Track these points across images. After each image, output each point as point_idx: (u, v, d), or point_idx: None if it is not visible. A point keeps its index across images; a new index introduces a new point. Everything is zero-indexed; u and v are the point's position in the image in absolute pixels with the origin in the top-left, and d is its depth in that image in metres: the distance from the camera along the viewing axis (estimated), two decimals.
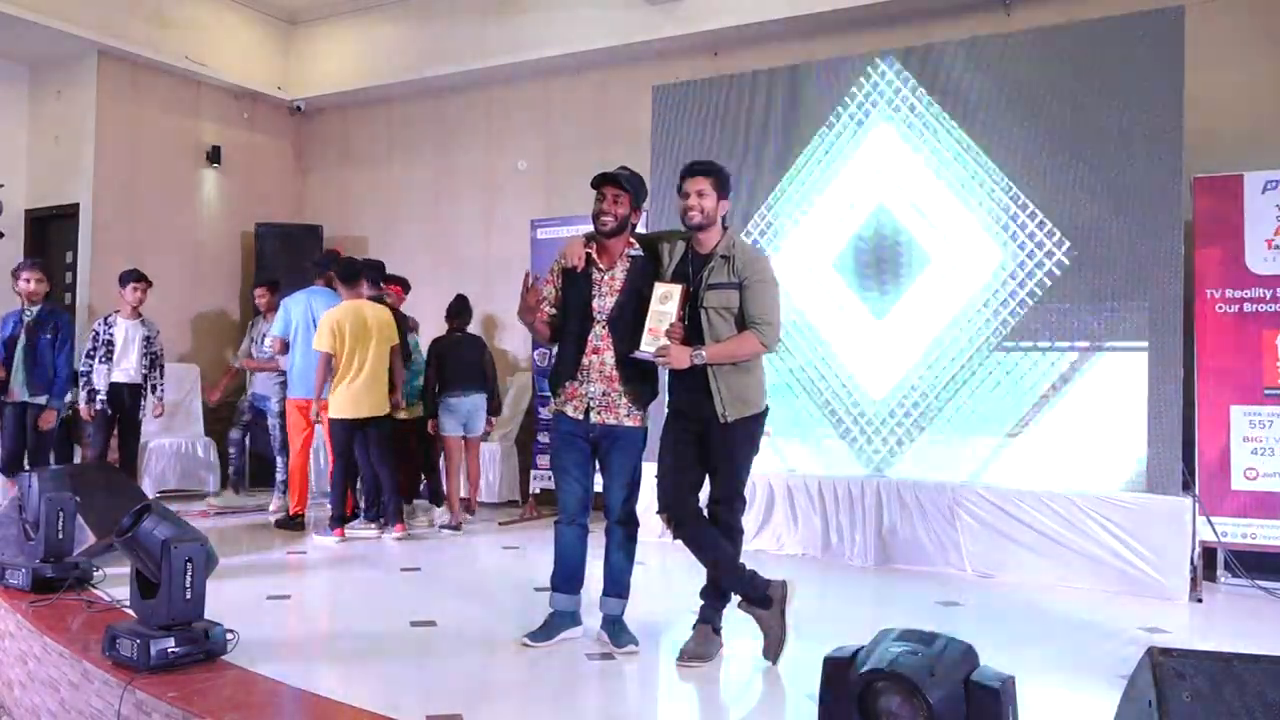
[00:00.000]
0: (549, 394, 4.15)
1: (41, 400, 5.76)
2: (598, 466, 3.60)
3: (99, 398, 6.11)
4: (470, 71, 8.05)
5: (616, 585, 3.58)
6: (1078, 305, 5.12)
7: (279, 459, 6.76)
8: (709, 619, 3.51)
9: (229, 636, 3.24)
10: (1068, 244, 5.15)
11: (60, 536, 4.07)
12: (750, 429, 3.45)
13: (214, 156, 8.51)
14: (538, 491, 6.98)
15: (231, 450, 7.04)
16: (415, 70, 8.29)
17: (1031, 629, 4.10)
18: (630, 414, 3.53)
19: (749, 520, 4.68)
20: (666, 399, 3.58)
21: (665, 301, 3.39)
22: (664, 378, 3.58)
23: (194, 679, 2.97)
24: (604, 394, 3.49)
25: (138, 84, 7.95)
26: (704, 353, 3.34)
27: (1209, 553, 4.93)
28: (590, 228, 3.61)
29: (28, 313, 5.78)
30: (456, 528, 6.28)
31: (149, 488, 6.94)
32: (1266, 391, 4.92)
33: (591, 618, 3.66)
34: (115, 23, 7.58)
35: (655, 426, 3.65)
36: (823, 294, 5.80)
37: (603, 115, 7.69)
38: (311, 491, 6.76)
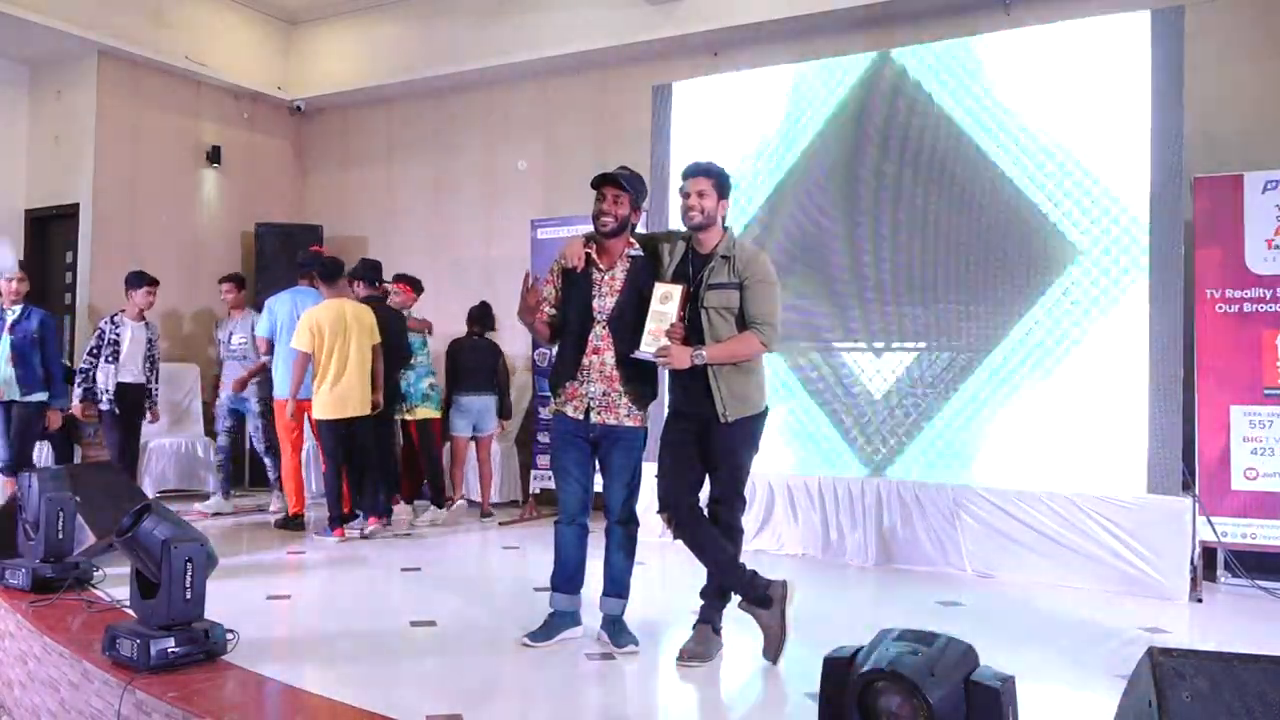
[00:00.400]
0: (549, 394, 4.15)
1: (34, 399, 5.76)
2: (598, 466, 3.60)
3: (107, 397, 6.12)
4: (470, 71, 8.05)
5: (616, 585, 3.58)
6: (1077, 305, 5.11)
7: (267, 460, 6.74)
8: (709, 619, 3.51)
9: (229, 636, 3.24)
10: (1067, 243, 5.15)
11: (60, 536, 4.07)
12: (751, 429, 3.45)
13: (214, 156, 8.51)
14: (538, 491, 6.98)
15: (219, 457, 6.90)
16: (415, 70, 8.29)
17: (1031, 629, 4.10)
18: (630, 414, 3.53)
19: (749, 520, 4.69)
20: (666, 399, 3.59)
21: (665, 302, 3.39)
22: (664, 378, 3.59)
23: (194, 679, 2.97)
24: (604, 394, 3.49)
25: (138, 84, 7.95)
26: (704, 353, 3.34)
27: (1209, 553, 4.92)
28: (590, 228, 3.61)
29: (10, 312, 5.80)
30: (443, 505, 6.47)
31: (149, 488, 6.94)
32: (1266, 391, 4.92)
33: (591, 618, 3.66)
34: (115, 23, 7.59)
35: (655, 426, 3.65)
36: (822, 293, 5.80)
37: (603, 115, 7.69)
38: (311, 491, 6.77)
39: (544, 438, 6.79)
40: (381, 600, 4.51)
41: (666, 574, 4.97)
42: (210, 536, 3.36)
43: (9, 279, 5.81)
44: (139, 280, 6.34)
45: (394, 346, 6.20)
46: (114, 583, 3.98)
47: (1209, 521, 4.87)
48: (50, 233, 8.05)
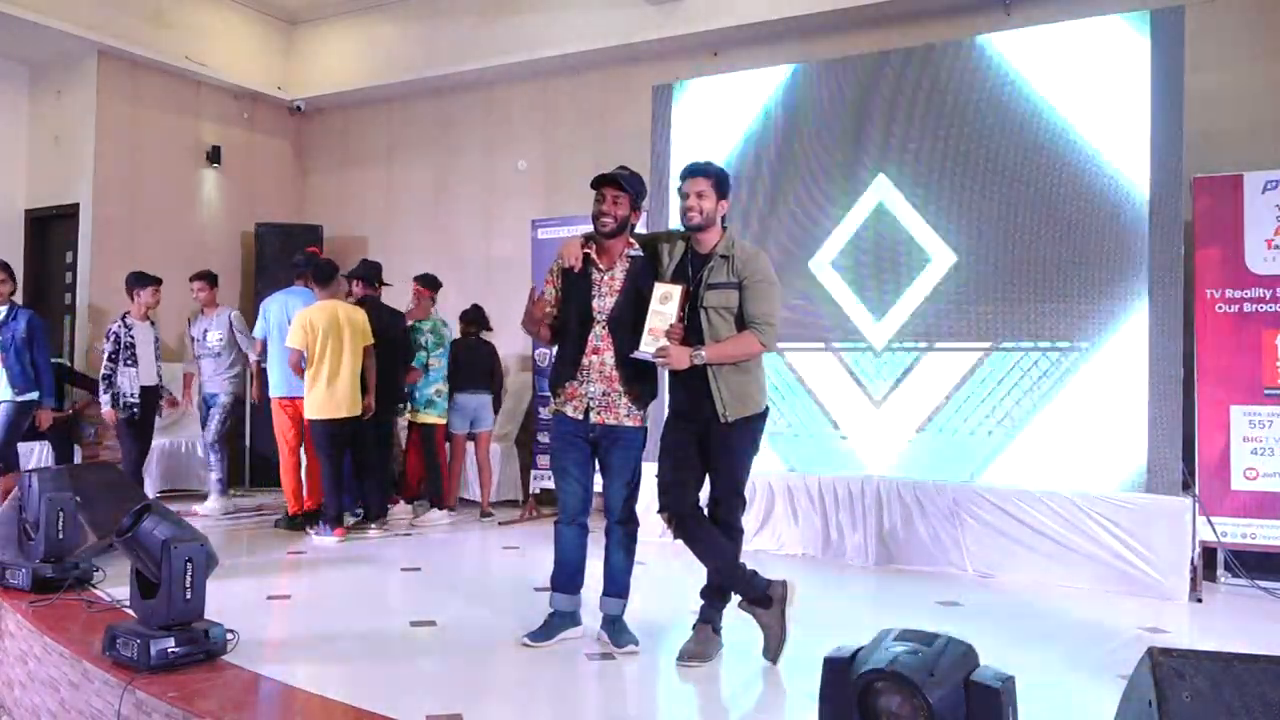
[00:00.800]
0: (549, 394, 4.15)
1: (25, 399, 5.74)
2: (598, 466, 3.60)
3: (132, 403, 6.12)
4: (470, 71, 8.06)
5: (616, 585, 3.58)
6: (1077, 304, 5.12)
7: (211, 455, 6.65)
8: (709, 619, 3.51)
9: (229, 636, 3.24)
10: (1067, 243, 5.15)
11: (60, 536, 4.07)
12: (750, 429, 3.45)
13: (214, 156, 8.51)
14: (538, 491, 6.98)
15: (212, 458, 6.78)
16: (415, 70, 8.29)
17: (1031, 629, 4.09)
18: (630, 414, 3.53)
19: (749, 520, 4.69)
20: (666, 399, 3.59)
21: (665, 302, 3.39)
22: (664, 378, 3.59)
23: (194, 679, 2.97)
24: (604, 394, 3.49)
25: (138, 84, 7.95)
26: (703, 353, 3.34)
27: (1209, 553, 4.92)
28: (590, 228, 3.61)
29: None
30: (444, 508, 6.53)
31: (149, 488, 6.94)
32: (1266, 391, 4.92)
33: (592, 618, 3.66)
34: (115, 23, 7.59)
35: (655, 426, 3.65)
36: (822, 293, 5.81)
37: (603, 115, 7.69)
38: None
39: (544, 438, 6.79)
40: (381, 600, 4.51)
41: (666, 574, 4.97)
42: (210, 536, 3.36)
43: None
44: (144, 280, 6.34)
45: (394, 346, 6.21)
46: (114, 583, 3.98)
47: (1209, 521, 4.87)
48: (50, 233, 8.05)
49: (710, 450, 3.44)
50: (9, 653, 3.80)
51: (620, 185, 3.47)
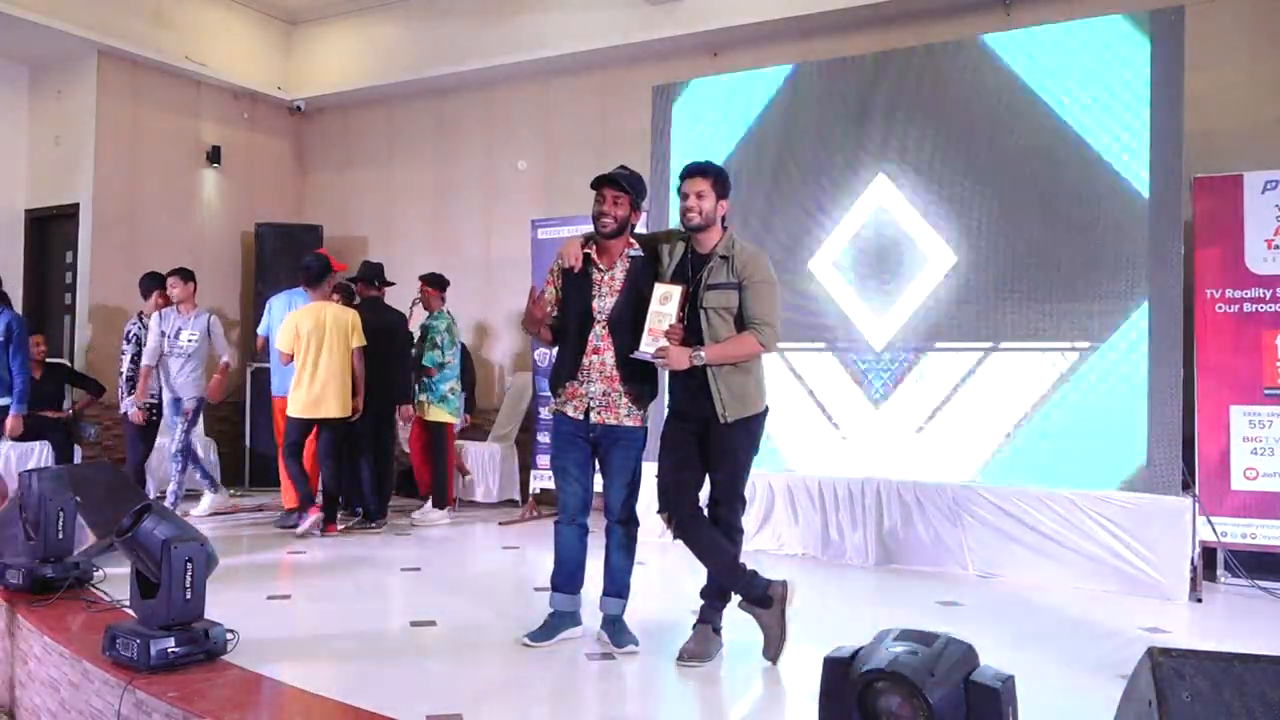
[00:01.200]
0: (549, 394, 4.15)
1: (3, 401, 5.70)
2: (598, 466, 3.60)
3: (153, 403, 6.12)
4: (470, 71, 8.05)
5: (616, 585, 3.58)
6: (1077, 305, 5.11)
7: (173, 464, 6.35)
8: (709, 619, 3.51)
9: (229, 636, 3.24)
10: (1067, 243, 5.15)
11: (60, 536, 4.06)
12: (750, 429, 3.45)
13: (214, 156, 8.51)
14: (538, 491, 6.98)
15: (173, 467, 6.44)
16: (415, 70, 8.28)
17: (1031, 629, 4.09)
18: (630, 414, 3.53)
19: (749, 520, 4.68)
20: (666, 399, 3.59)
21: (665, 302, 3.40)
22: (664, 378, 3.59)
23: (194, 679, 2.97)
24: (604, 394, 3.49)
25: (138, 84, 7.95)
26: (703, 353, 3.34)
27: (1209, 553, 4.92)
28: (590, 228, 3.61)
29: None
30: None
31: (149, 488, 6.93)
32: (1266, 391, 4.92)
33: (592, 618, 3.66)
34: (115, 23, 7.58)
35: (655, 426, 3.65)
36: (822, 293, 5.80)
37: (603, 115, 7.69)
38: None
39: (544, 438, 6.79)
40: (381, 600, 4.51)
41: (666, 574, 4.97)
42: (210, 536, 3.36)
43: None
44: (158, 281, 6.34)
45: (395, 345, 6.21)
46: (114, 583, 3.98)
47: (1209, 521, 4.87)
48: (50, 233, 8.05)
49: (710, 450, 3.44)
50: (9, 653, 3.80)
51: (620, 185, 3.48)
